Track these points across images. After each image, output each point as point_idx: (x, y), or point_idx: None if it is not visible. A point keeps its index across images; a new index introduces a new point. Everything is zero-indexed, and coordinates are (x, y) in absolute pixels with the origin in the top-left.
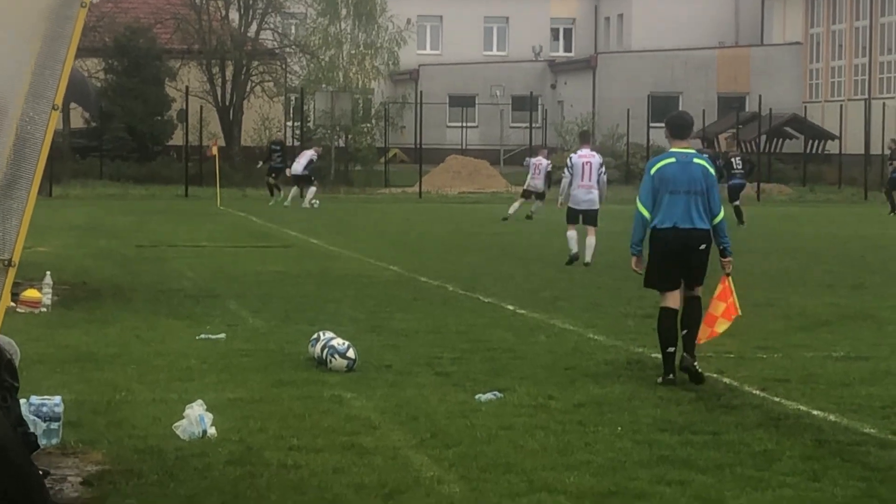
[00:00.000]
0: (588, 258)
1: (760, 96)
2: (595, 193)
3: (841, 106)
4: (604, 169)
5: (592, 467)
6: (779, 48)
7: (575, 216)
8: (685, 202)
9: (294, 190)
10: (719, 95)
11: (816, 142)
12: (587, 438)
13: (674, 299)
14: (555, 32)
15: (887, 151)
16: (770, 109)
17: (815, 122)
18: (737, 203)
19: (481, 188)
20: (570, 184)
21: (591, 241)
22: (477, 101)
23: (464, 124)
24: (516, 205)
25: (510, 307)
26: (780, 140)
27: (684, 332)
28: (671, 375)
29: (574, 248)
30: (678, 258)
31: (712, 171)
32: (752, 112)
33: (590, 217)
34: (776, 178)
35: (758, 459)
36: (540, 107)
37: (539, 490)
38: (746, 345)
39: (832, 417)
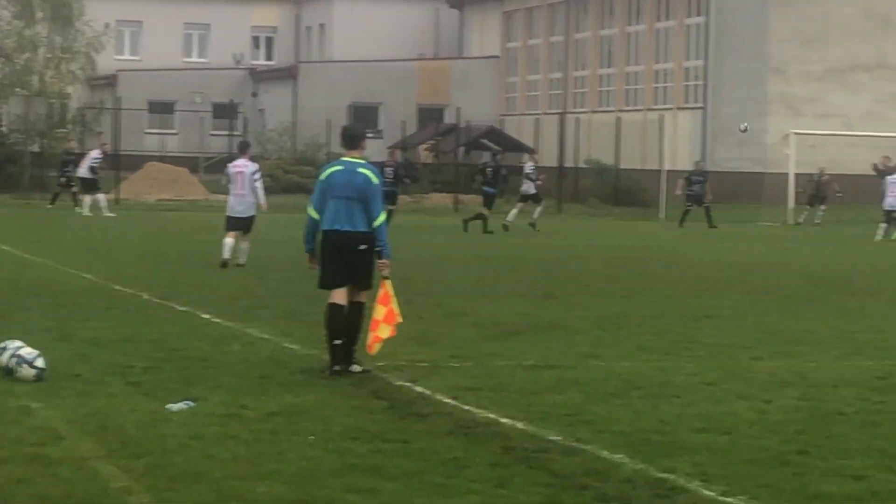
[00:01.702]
0: (242, 260)
1: (458, 108)
2: (248, 201)
3: (536, 119)
4: (258, 176)
5: (283, 476)
6: (477, 61)
7: (232, 224)
8: (347, 207)
9: (87, 198)
10: (419, 106)
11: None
12: (279, 447)
13: (340, 296)
14: (256, 40)
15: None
16: (468, 122)
17: (512, 135)
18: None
19: (180, 195)
20: (229, 192)
21: (244, 245)
22: (176, 108)
23: (163, 131)
24: (514, 211)
25: (206, 315)
26: (479, 152)
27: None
28: (337, 367)
29: (226, 255)
30: (341, 258)
31: (375, 180)
32: (451, 124)
33: (244, 223)
34: (476, 189)
35: (447, 467)
36: (240, 115)
37: (228, 500)
38: (439, 353)
39: (520, 425)
